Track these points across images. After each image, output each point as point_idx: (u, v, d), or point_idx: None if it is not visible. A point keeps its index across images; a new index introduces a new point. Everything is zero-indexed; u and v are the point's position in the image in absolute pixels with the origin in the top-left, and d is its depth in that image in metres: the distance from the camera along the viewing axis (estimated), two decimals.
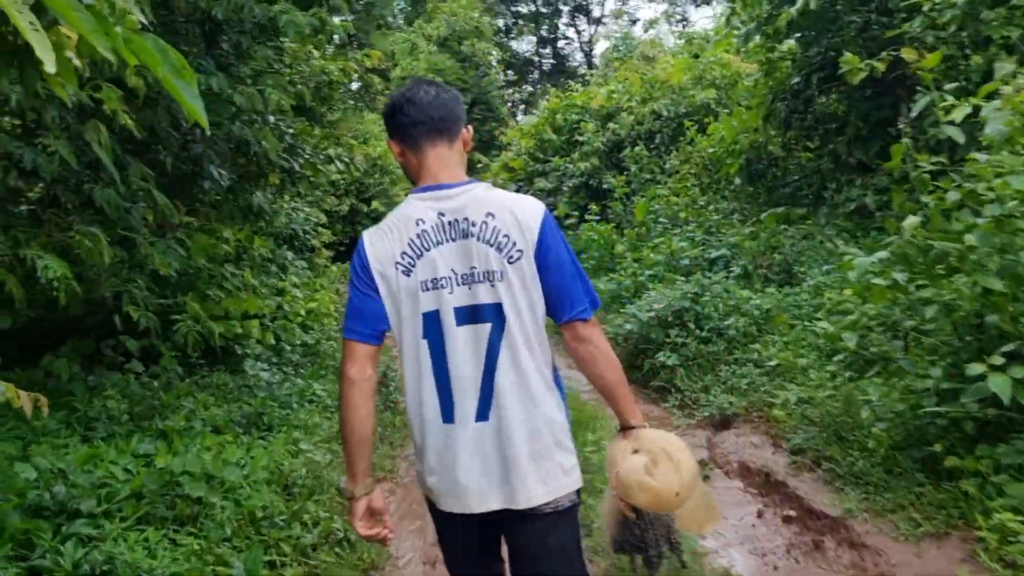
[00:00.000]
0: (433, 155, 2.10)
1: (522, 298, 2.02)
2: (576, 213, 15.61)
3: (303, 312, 10.14)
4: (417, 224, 2.05)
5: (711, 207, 10.87)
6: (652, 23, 39.90)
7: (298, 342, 9.13)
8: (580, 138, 16.26)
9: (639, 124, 15.68)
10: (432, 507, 2.22)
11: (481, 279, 2.02)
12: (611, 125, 15.94)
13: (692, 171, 13.12)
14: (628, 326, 8.15)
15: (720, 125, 12.76)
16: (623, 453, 2.12)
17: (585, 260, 13.33)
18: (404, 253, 2.05)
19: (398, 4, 46.15)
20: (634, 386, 7.16)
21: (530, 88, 47.70)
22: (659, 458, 2.07)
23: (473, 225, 2.02)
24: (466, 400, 2.04)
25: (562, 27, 51.93)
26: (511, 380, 2.03)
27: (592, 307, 2.10)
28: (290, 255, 15.76)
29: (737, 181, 11.16)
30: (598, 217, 13.97)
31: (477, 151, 30.39)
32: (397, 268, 2.05)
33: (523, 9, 51.52)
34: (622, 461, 2.10)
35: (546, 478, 2.06)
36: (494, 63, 35.51)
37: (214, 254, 7.60)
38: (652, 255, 10.58)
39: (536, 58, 51.96)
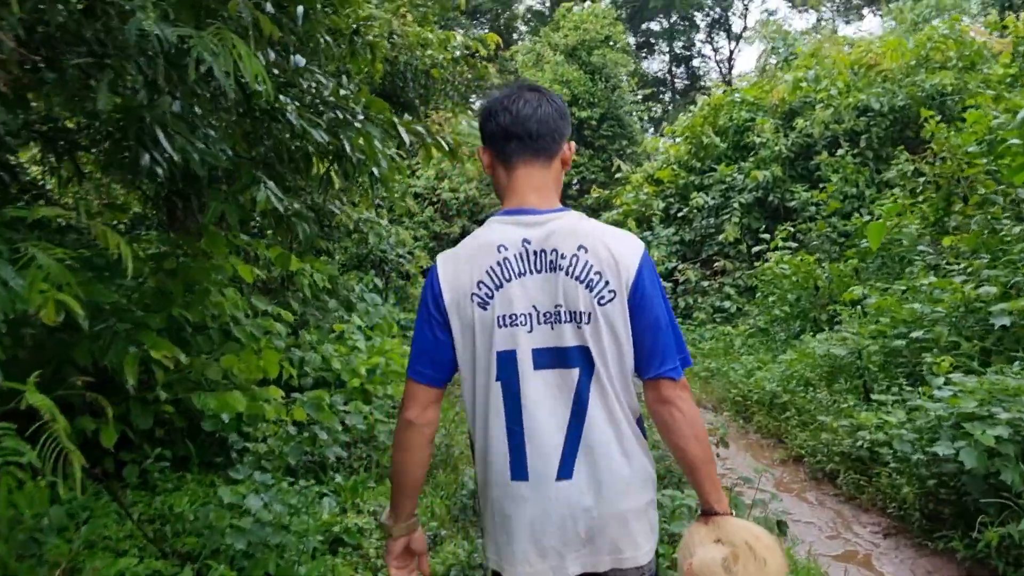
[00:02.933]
0: (525, 174, 1.90)
1: (610, 344, 1.79)
2: (748, 240, 11.68)
3: (363, 371, 6.56)
4: (498, 251, 1.83)
5: (1006, 232, 6.73)
6: (808, 32, 35.37)
7: (339, 427, 5.58)
8: (755, 139, 12.31)
9: (837, 122, 11.64)
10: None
11: (567, 319, 1.79)
12: (798, 123, 11.93)
13: (935, 179, 9.00)
14: (942, 451, 4.25)
15: (977, 113, 8.63)
16: (702, 541, 1.83)
17: (777, 307, 9.38)
18: (481, 283, 1.83)
19: (524, 16, 43.88)
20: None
21: (661, 108, 44.04)
22: (742, 553, 1.77)
23: (562, 258, 1.80)
24: (544, 454, 1.80)
25: (698, 43, 48.56)
26: (604, 431, 1.81)
27: (683, 365, 1.85)
28: (374, 284, 12.47)
29: None
30: (791, 245, 10.03)
31: (604, 172, 27.00)
32: (473, 299, 1.83)
33: (655, 26, 48.61)
34: (699, 550, 1.81)
35: (639, 540, 1.85)
36: (625, 76, 31.80)
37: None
38: (910, 304, 6.59)
39: (668, 76, 48.62)
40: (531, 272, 1.82)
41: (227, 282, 5.41)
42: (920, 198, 9.16)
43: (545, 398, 1.81)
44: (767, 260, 10.11)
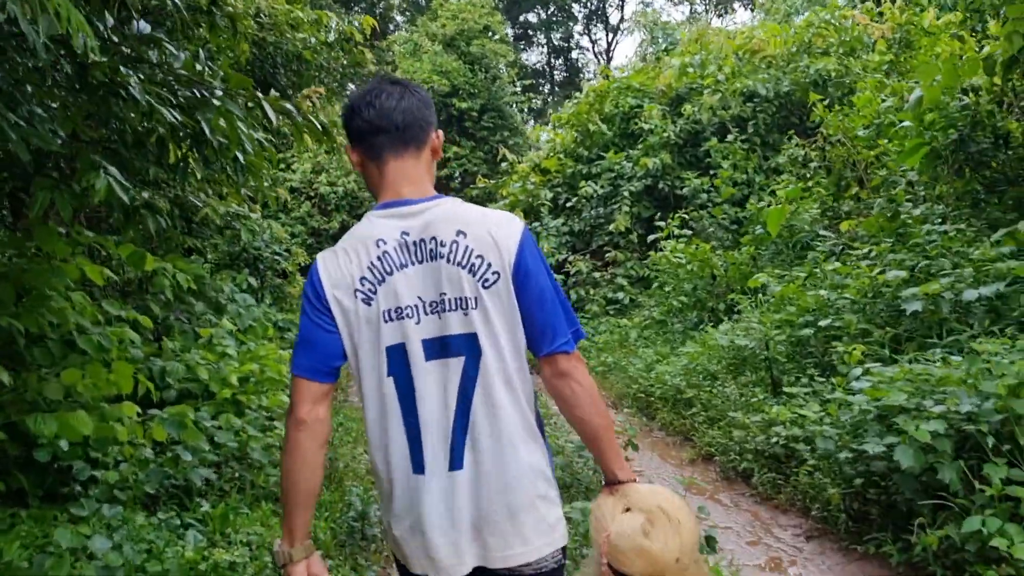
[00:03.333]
0: (396, 167, 1.86)
1: (500, 327, 1.77)
2: (639, 229, 11.44)
3: (234, 380, 5.83)
4: (377, 245, 1.81)
5: (907, 214, 6.59)
6: (684, 23, 35.95)
7: (206, 445, 4.89)
8: (643, 126, 12.06)
9: (725, 108, 11.53)
10: (402, 569, 1.93)
11: (452, 307, 1.77)
12: (686, 109, 11.76)
13: (826, 165, 8.93)
14: (872, 448, 3.96)
15: (867, 96, 8.61)
16: (612, 512, 1.84)
17: (674, 297, 9.14)
18: (363, 279, 1.80)
19: (400, 6, 43.04)
20: None
21: (541, 100, 44.06)
22: (656, 518, 1.80)
23: (442, 245, 1.78)
24: (438, 446, 1.79)
25: (576, 35, 48.89)
26: (487, 422, 1.78)
27: (575, 338, 1.84)
28: (248, 283, 11.63)
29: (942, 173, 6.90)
30: (686, 233, 9.81)
31: (486, 164, 26.60)
32: (356, 296, 1.79)
33: (532, 18, 48.64)
34: (612, 522, 1.82)
35: (528, 535, 1.80)
36: (504, 67, 31.51)
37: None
38: (814, 291, 6.39)
39: (547, 68, 48.76)
40: (412, 263, 1.80)
41: (74, 285, 4.68)
42: (810, 183, 9.07)
43: (436, 389, 1.79)
44: (661, 250, 9.85)
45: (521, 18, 46.18)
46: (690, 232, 10.26)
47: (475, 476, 1.78)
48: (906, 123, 7.07)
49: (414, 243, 1.79)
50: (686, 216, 10.54)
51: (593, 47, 49.72)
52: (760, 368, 6.35)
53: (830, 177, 8.66)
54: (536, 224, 12.30)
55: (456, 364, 1.78)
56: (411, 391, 1.79)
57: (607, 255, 11.45)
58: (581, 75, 47.56)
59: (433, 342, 1.78)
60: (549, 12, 47.72)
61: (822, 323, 5.81)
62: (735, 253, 8.89)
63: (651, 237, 10.60)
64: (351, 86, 13.83)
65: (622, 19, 46.80)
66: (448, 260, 1.77)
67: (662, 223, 11.62)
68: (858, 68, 10.76)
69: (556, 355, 1.81)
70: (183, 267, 7.02)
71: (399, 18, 40.89)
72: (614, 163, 12.09)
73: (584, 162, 13.12)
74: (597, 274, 11.43)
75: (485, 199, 14.77)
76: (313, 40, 10.18)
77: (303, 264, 17.10)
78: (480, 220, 1.80)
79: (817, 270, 6.90)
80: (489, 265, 1.76)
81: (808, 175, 9.29)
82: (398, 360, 1.79)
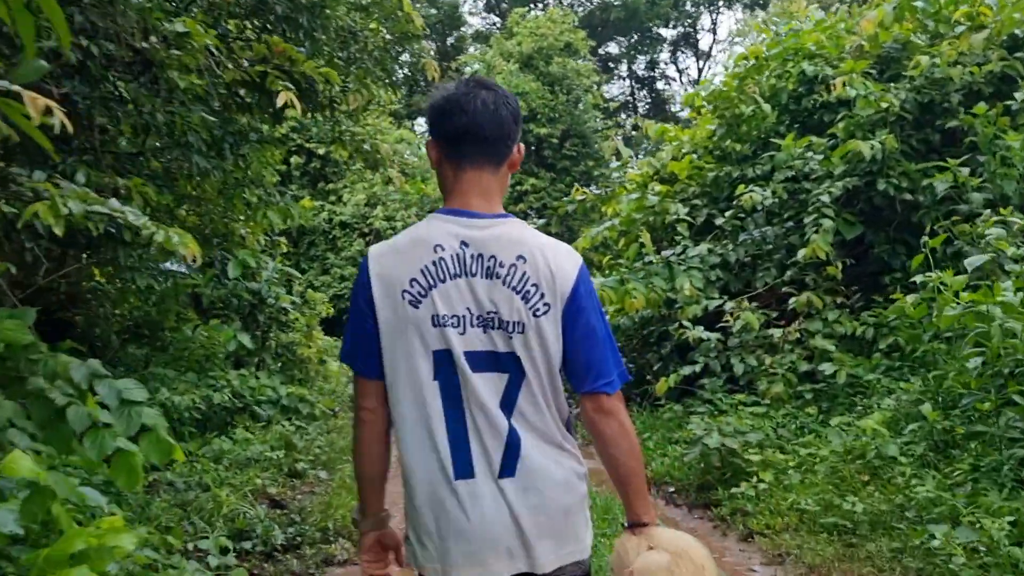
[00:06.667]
0: (473, 176, 1.85)
1: (539, 356, 1.80)
2: (841, 256, 6.90)
3: None
4: (435, 250, 1.80)
5: None
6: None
7: None
8: (836, 97, 7.55)
9: (980, 64, 7.00)
10: None
11: (499, 326, 1.79)
12: (919, 61, 7.23)
13: None
14: None
15: None
16: (635, 550, 1.85)
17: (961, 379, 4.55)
18: (414, 280, 1.80)
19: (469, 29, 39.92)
20: None
21: (622, 134, 39.96)
22: (682, 559, 1.82)
23: (500, 266, 1.79)
24: (487, 454, 1.79)
25: (662, 65, 44.95)
26: (533, 433, 1.82)
27: (620, 380, 1.87)
28: (237, 341, 7.58)
29: None
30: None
31: (564, 197, 22.38)
32: (404, 297, 1.80)
33: (613, 49, 45.08)
34: (634, 559, 1.83)
35: (576, 535, 1.87)
36: (588, 88, 27.49)
37: None
38: None
39: (630, 100, 44.84)
40: (467, 275, 1.80)
41: None
42: None
43: (486, 398, 1.79)
44: (884, 287, 5.31)
45: (601, 50, 42.46)
46: (955, 259, 5.74)
47: (530, 483, 1.79)
48: None
49: (472, 256, 1.80)
50: (953, 233, 6.00)
51: (680, 76, 45.73)
52: None
53: None
54: (668, 254, 7.89)
55: (499, 379, 1.79)
56: (459, 397, 1.79)
57: (791, 301, 6.96)
58: (668, 107, 43.53)
59: (480, 355, 1.78)
60: (632, 40, 43.98)
61: None
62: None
63: (869, 271, 6.02)
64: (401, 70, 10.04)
65: (714, 42, 42.58)
66: (504, 283, 1.78)
67: (886, 248, 7.08)
68: None
69: (599, 393, 1.83)
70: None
71: (472, 50, 37.81)
72: (791, 154, 7.61)
73: (734, 162, 8.69)
74: (775, 331, 6.94)
75: (580, 219, 10.55)
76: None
77: (329, 317, 12.96)
78: (542, 249, 1.81)
79: None
80: (542, 295, 1.78)
81: None
82: (445, 366, 1.79)
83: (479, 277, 1.78)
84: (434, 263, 1.78)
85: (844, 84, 7.40)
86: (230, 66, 5.30)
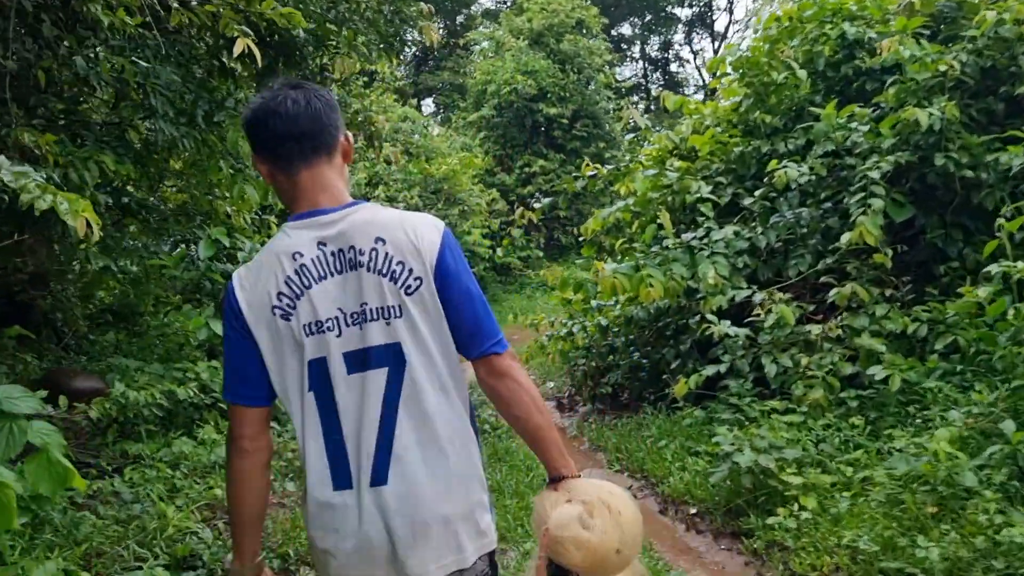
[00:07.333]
0: (308, 175, 1.81)
1: (427, 333, 1.76)
2: (889, 242, 5.99)
3: None
4: (294, 258, 1.77)
5: None
6: None
7: None
8: (885, 62, 6.60)
9: None
10: None
11: (374, 316, 1.75)
12: (982, 19, 6.29)
13: None
14: None
15: None
16: (553, 505, 1.81)
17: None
18: (281, 294, 1.76)
19: (479, 8, 38.95)
20: None
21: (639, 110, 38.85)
22: (596, 509, 1.77)
23: (361, 253, 1.75)
24: (361, 461, 1.76)
25: (676, 46, 43.82)
26: (414, 434, 1.76)
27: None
28: (209, 328, 6.96)
29: None
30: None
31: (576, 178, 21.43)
32: (275, 312, 1.76)
33: (626, 30, 43.99)
34: (553, 512, 1.80)
35: (463, 543, 1.80)
36: (600, 67, 26.43)
37: None
38: None
39: (643, 82, 43.73)
40: (331, 274, 1.76)
41: None
42: None
43: (359, 402, 1.75)
44: (937, 279, 4.40)
45: (614, 31, 41.40)
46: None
47: (404, 490, 1.74)
48: None
49: (332, 254, 1.76)
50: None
51: (694, 58, 44.67)
52: None
53: None
54: (689, 237, 6.97)
55: (378, 376, 1.74)
56: (332, 405, 1.76)
57: (831, 293, 6.05)
58: (682, 89, 42.43)
59: (355, 354, 1.75)
60: (646, 20, 42.88)
61: None
62: None
63: (926, 261, 5.07)
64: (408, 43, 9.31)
65: (731, 22, 41.41)
66: (368, 269, 1.74)
67: (940, 233, 6.17)
68: None
69: (490, 356, 1.79)
70: None
71: (482, 28, 36.87)
72: (833, 123, 6.67)
73: (764, 135, 7.75)
74: (812, 327, 6.04)
75: (590, 200, 9.63)
76: None
77: None
78: (399, 225, 1.77)
79: None
80: (411, 271, 1.74)
81: None
82: (319, 375, 1.75)
83: (344, 272, 1.75)
84: (296, 272, 1.75)
85: (894, 46, 6.46)
86: (175, 3, 4.43)
